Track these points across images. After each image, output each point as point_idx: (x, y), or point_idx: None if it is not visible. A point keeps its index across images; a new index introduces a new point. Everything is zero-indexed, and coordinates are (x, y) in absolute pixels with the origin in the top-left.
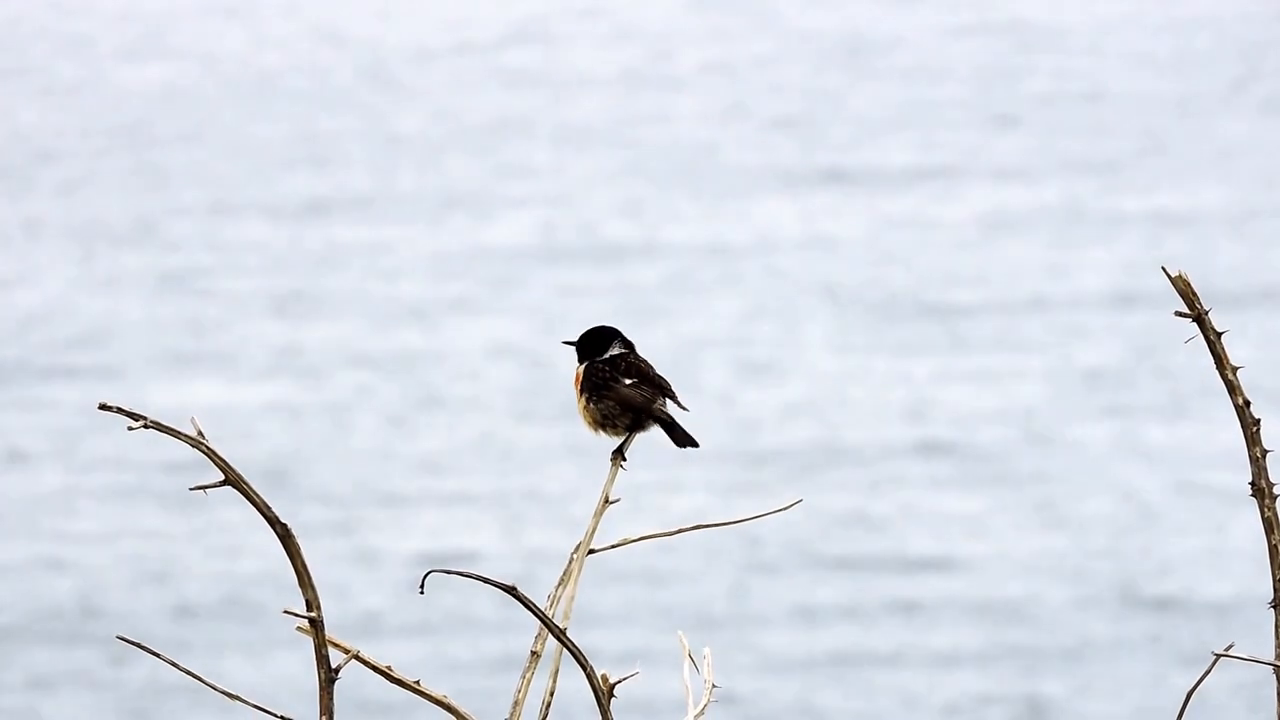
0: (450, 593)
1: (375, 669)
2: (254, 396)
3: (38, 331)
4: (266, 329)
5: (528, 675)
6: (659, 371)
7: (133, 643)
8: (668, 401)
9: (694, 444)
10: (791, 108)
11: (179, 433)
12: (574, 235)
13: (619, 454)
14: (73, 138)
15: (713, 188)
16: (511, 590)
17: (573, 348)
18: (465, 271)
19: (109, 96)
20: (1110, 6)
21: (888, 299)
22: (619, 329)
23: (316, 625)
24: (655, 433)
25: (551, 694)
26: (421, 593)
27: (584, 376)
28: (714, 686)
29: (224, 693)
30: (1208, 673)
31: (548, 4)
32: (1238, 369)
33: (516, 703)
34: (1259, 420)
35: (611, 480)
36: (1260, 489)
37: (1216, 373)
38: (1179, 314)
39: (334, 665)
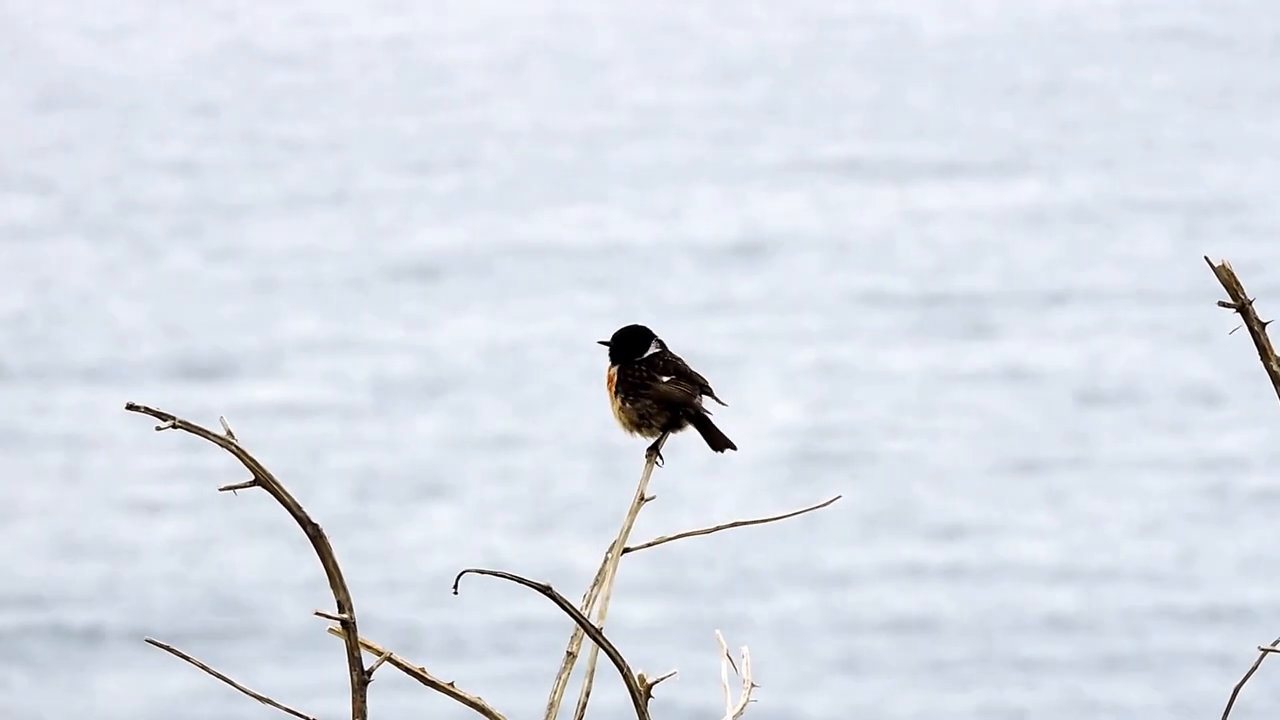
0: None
1: (409, 671)
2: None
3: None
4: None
5: (563, 676)
6: (694, 368)
7: (163, 646)
8: (704, 399)
9: (731, 446)
10: (823, 98)
11: (208, 432)
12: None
13: (654, 451)
14: None
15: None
16: (546, 590)
17: (606, 347)
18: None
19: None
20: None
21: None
22: (650, 328)
23: (349, 627)
24: (691, 434)
25: (587, 694)
26: (456, 593)
27: (618, 377)
28: (753, 686)
29: (256, 696)
30: (1253, 669)
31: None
32: None
33: (552, 704)
34: None
35: (646, 477)
36: None
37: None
38: (1222, 304)
39: (367, 668)
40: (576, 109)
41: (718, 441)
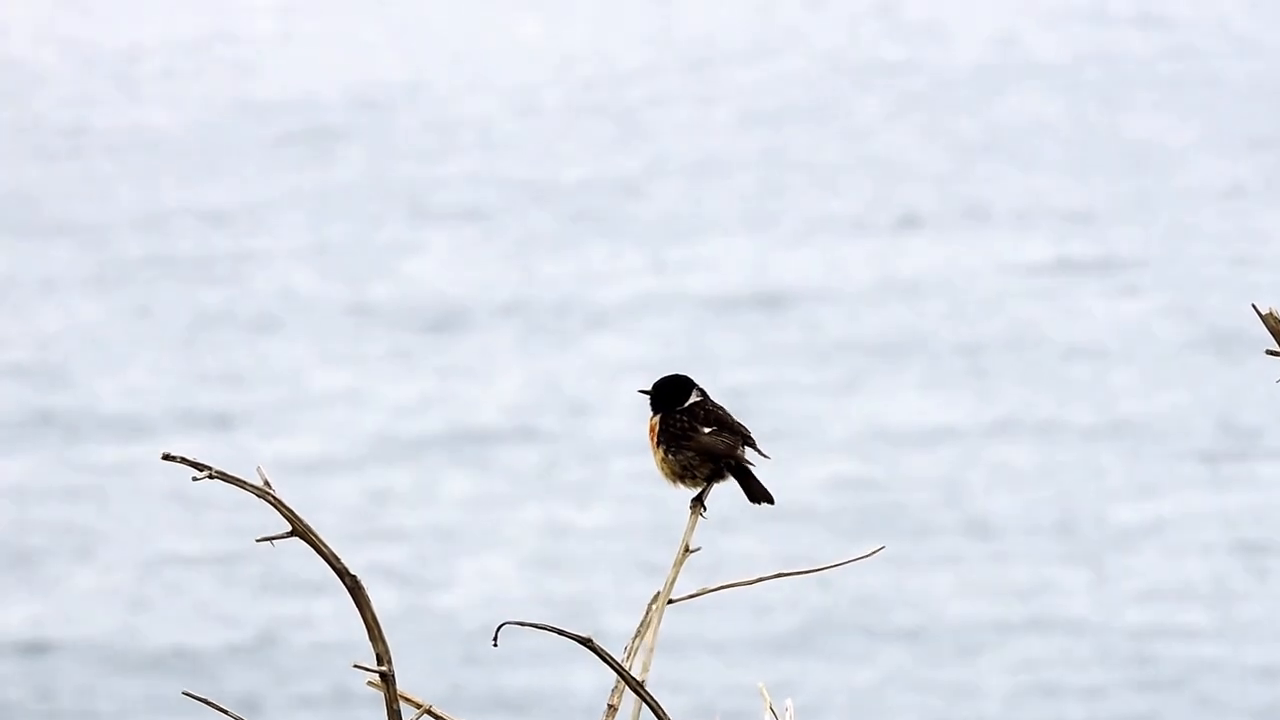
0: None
1: None
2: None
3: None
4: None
5: None
6: (736, 418)
7: (200, 699)
8: (748, 450)
9: (769, 500)
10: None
11: (245, 483)
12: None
13: (698, 502)
14: None
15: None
16: (587, 642)
17: (646, 396)
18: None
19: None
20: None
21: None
22: (691, 376)
23: (388, 680)
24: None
25: None
26: (495, 645)
27: (660, 427)
28: None
29: None
30: None
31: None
32: None
33: None
34: None
35: (691, 528)
36: None
37: None
38: (1270, 352)
39: None
40: (596, 154)
41: (756, 494)
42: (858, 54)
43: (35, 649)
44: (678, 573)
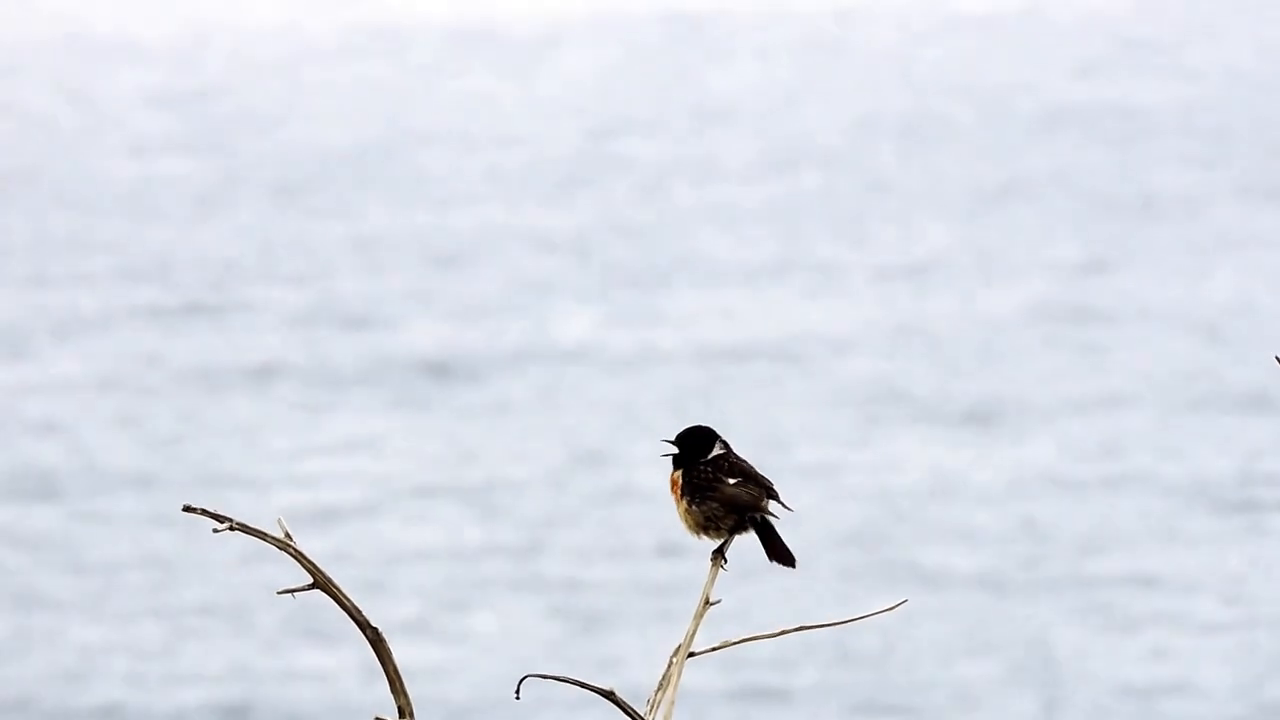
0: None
1: None
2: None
3: None
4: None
5: None
6: (760, 471)
7: None
8: (770, 502)
9: (791, 563)
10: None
11: (265, 535)
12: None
13: (719, 554)
14: None
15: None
16: (610, 695)
17: (671, 448)
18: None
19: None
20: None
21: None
22: (714, 429)
23: None
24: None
25: None
26: (518, 698)
27: (683, 479)
28: None
29: None
30: None
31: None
32: None
33: None
34: None
35: (712, 581)
36: None
37: None
38: None
39: None
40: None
41: (779, 554)
42: (877, 102)
43: None
44: (698, 625)
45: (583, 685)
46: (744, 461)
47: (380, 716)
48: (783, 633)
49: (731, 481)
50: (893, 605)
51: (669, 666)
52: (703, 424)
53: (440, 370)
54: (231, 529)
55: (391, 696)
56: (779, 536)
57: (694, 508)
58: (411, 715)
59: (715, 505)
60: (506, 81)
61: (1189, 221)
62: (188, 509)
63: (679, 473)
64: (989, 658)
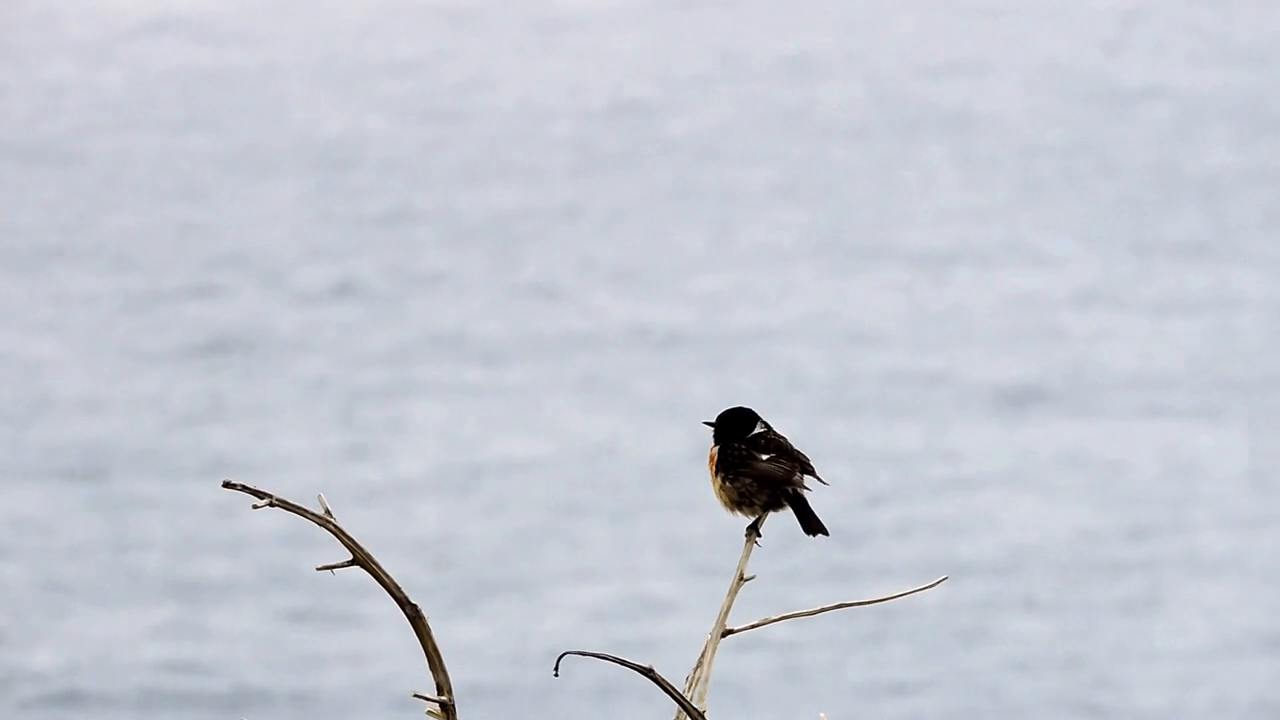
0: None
1: None
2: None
3: None
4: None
5: None
6: (797, 446)
7: None
8: (805, 477)
9: (824, 532)
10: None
11: (306, 511)
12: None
13: (754, 530)
14: None
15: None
16: (648, 672)
17: (710, 428)
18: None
19: None
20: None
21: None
22: (754, 409)
23: (448, 709)
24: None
25: None
26: (556, 675)
27: (719, 456)
28: None
29: None
30: None
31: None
32: None
33: None
34: None
35: (746, 556)
36: None
37: None
38: None
39: None
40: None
41: (812, 526)
42: (901, 90)
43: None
44: (732, 601)
45: (622, 662)
46: (781, 438)
47: (419, 693)
48: (822, 610)
49: (765, 457)
50: (933, 582)
51: (706, 644)
52: (743, 405)
53: (462, 351)
54: (271, 505)
55: (431, 674)
56: (811, 510)
57: (728, 483)
58: (450, 692)
59: (749, 481)
60: (524, 58)
61: None
62: (228, 485)
63: (716, 449)
64: None
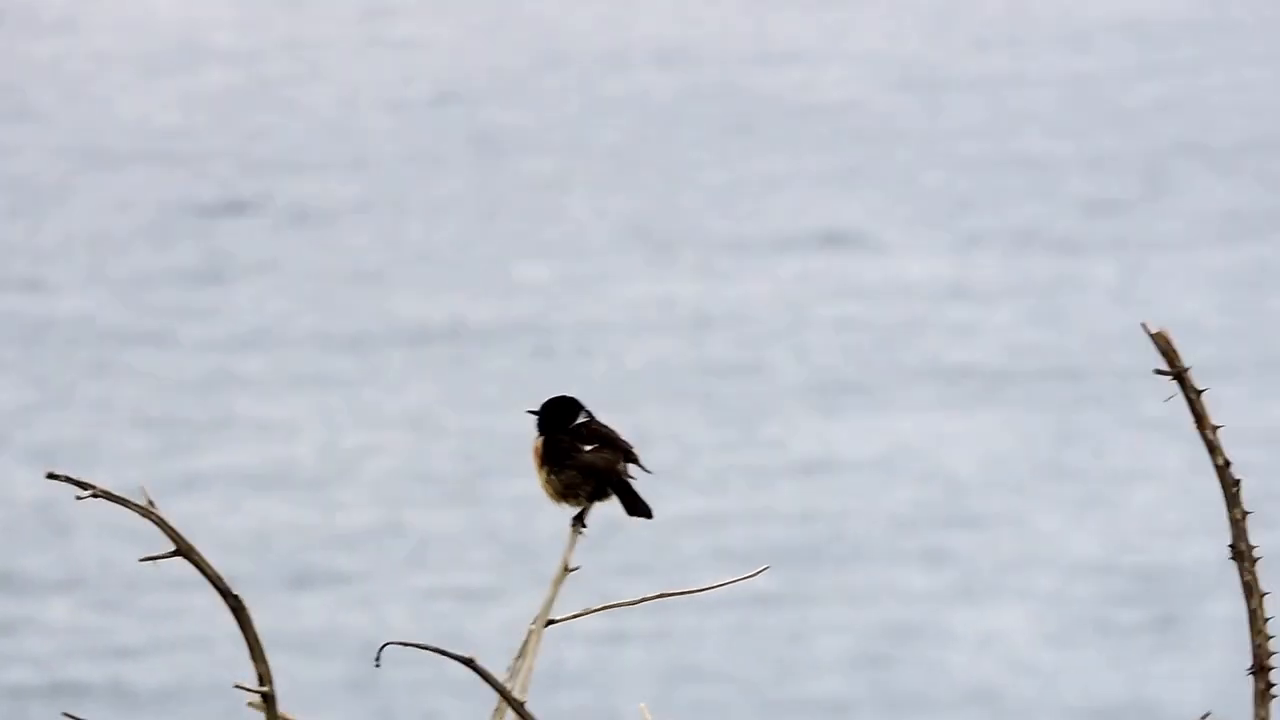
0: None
1: None
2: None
3: None
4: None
5: None
6: (623, 436)
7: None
8: (629, 466)
9: (647, 514)
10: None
11: (129, 502)
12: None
13: (579, 520)
14: None
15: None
16: (469, 662)
17: (534, 416)
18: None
19: None
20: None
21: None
22: (577, 398)
23: (269, 700)
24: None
25: None
26: (378, 665)
27: (544, 448)
28: None
29: None
30: None
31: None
32: (1218, 428)
33: None
34: (1239, 481)
35: (571, 547)
36: (1240, 552)
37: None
38: (1159, 371)
39: None
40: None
41: (635, 507)
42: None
43: None
44: (556, 591)
45: (442, 653)
46: (605, 428)
47: (240, 684)
48: (643, 599)
49: (588, 449)
50: (754, 572)
51: (528, 634)
52: (566, 394)
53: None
54: (94, 496)
55: (252, 664)
56: (635, 493)
57: (553, 477)
58: (271, 682)
59: (574, 473)
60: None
61: None
62: (51, 476)
63: (540, 440)
64: None
